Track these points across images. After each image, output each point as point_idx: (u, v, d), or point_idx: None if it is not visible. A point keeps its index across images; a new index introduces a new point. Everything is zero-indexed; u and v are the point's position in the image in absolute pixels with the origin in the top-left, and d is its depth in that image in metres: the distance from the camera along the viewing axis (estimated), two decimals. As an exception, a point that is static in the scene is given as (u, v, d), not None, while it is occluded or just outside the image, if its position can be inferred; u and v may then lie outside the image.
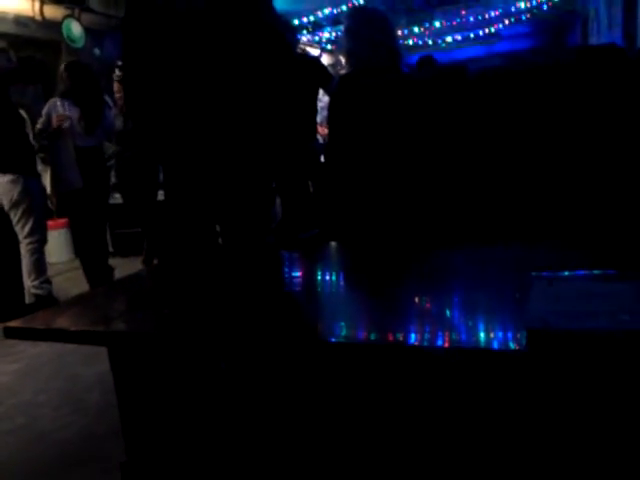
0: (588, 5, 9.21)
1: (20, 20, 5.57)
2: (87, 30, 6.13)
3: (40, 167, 3.93)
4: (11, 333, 1.15)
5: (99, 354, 2.11)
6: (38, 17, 5.68)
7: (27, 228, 3.55)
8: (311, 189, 4.17)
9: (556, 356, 0.79)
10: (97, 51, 6.43)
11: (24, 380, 2.73)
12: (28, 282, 3.61)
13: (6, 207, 3.53)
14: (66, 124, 3.64)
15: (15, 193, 3.48)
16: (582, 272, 1.07)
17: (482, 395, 0.93)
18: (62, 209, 4.05)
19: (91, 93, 3.76)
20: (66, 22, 5.89)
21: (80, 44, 6.08)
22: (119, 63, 5.39)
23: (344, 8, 8.40)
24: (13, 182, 3.48)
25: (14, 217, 3.54)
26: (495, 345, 0.86)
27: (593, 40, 8.85)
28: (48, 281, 3.66)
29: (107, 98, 4.01)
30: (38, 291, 3.59)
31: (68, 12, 5.94)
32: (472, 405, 0.95)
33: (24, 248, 3.57)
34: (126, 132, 4.00)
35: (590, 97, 1.81)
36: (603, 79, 1.81)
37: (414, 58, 4.63)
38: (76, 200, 3.73)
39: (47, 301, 3.53)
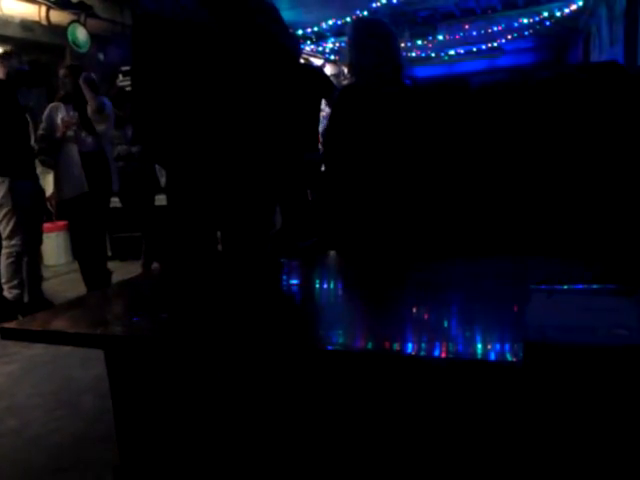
0: (590, 22, 9.30)
1: (26, 24, 5.59)
2: (92, 35, 6.16)
3: (39, 170, 3.93)
4: (7, 334, 1.15)
5: (94, 358, 2.11)
6: (44, 22, 5.70)
7: (7, 231, 3.57)
8: (310, 198, 4.18)
9: (553, 369, 0.79)
10: (101, 56, 6.47)
11: (18, 382, 2.72)
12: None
13: None
14: (71, 131, 3.65)
15: None
16: (581, 286, 1.07)
17: (477, 405, 0.93)
18: (62, 212, 4.05)
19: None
20: (71, 27, 5.92)
21: (85, 49, 6.10)
22: (122, 69, 5.43)
23: (348, 19, 8.46)
24: None
25: None
26: (491, 357, 0.86)
27: (595, 56, 8.92)
28: (17, 287, 3.65)
29: (107, 101, 4.00)
30: (6, 294, 3.62)
31: (74, 17, 5.97)
32: (467, 415, 0.94)
33: (2, 250, 3.60)
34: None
35: (590, 113, 1.83)
36: (603, 95, 1.82)
37: (417, 70, 4.64)
38: (77, 204, 3.73)
39: (14, 305, 3.56)
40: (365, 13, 8.18)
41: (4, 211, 3.55)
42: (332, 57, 11.28)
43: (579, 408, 0.87)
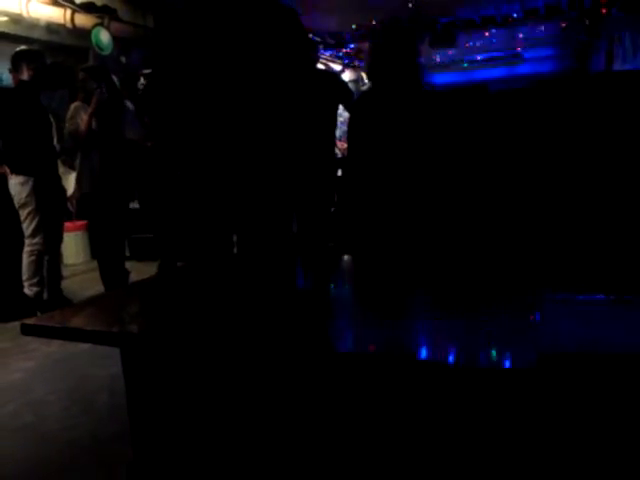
0: (613, 31, 9.19)
1: (51, 27, 5.71)
2: (115, 38, 6.25)
3: (61, 170, 4.00)
4: (27, 330, 1.17)
5: (110, 356, 2.13)
6: (69, 25, 5.81)
7: (29, 230, 3.66)
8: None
9: (566, 378, 0.79)
10: (123, 59, 6.57)
11: (36, 379, 2.76)
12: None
13: (16, 206, 3.67)
14: (94, 127, 3.69)
15: (23, 195, 3.59)
16: (596, 296, 1.06)
17: (490, 412, 0.93)
18: (82, 209, 4.12)
19: (112, 97, 3.79)
20: (95, 30, 6.02)
21: (107, 52, 6.19)
22: (144, 72, 5.50)
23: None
24: (22, 184, 3.58)
25: (21, 217, 3.67)
26: (506, 365, 0.86)
27: (617, 65, 8.80)
28: (38, 284, 3.73)
29: (129, 103, 4.04)
30: (27, 291, 3.71)
31: (98, 21, 6.07)
32: (480, 422, 0.94)
33: (25, 248, 3.69)
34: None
35: (613, 122, 1.81)
36: (626, 105, 1.81)
37: (436, 77, 4.64)
38: (96, 203, 3.78)
39: (34, 302, 3.65)
40: (385, 19, 8.18)
41: (27, 210, 3.64)
42: (351, 63, 11.29)
43: (592, 416, 0.86)
